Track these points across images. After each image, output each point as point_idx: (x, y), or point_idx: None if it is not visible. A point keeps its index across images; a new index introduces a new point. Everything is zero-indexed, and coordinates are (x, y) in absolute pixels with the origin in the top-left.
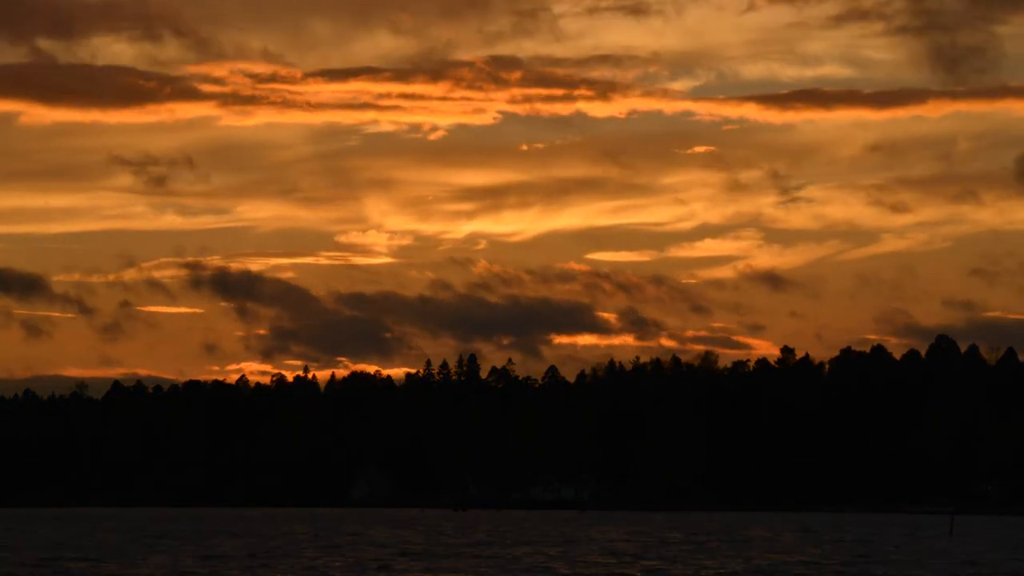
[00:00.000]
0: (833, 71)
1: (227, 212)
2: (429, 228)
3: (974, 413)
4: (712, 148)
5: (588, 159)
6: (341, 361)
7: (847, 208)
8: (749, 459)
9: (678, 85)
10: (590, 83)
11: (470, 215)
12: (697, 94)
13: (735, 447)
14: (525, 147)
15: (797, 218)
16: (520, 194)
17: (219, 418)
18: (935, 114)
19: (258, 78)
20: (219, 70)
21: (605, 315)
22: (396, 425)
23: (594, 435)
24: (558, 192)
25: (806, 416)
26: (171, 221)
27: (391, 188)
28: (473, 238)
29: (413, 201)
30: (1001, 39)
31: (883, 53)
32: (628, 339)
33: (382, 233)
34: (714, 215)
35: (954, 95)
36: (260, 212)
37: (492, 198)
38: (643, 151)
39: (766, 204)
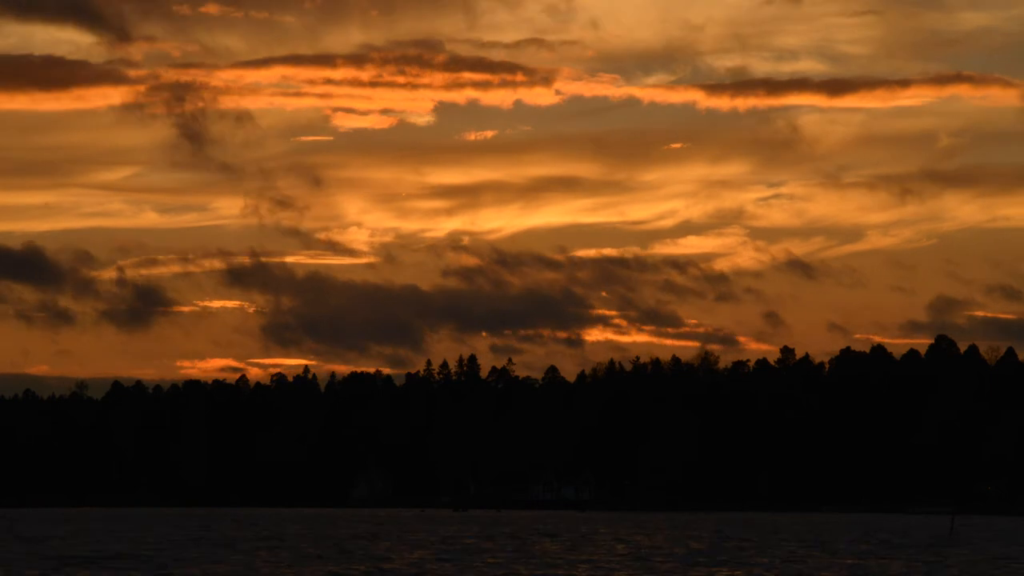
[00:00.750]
0: (807, 62)
1: (200, 208)
2: (409, 225)
3: (974, 413)
4: (690, 143)
5: (559, 153)
6: (339, 358)
7: (830, 204)
8: (749, 459)
9: (622, 74)
10: (527, 70)
11: (449, 212)
12: (665, 84)
13: (735, 447)
14: (473, 136)
15: (780, 215)
16: (496, 190)
17: (219, 418)
18: (917, 103)
19: (178, 64)
20: (136, 55)
21: (597, 311)
22: (396, 425)
23: (594, 435)
24: (533, 189)
25: (806, 416)
26: (149, 218)
27: (360, 184)
28: (455, 235)
29: (387, 198)
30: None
31: (858, 45)
32: (621, 336)
33: (363, 230)
34: (695, 212)
35: (936, 82)
36: (233, 208)
37: (468, 195)
38: (615, 145)
39: (748, 200)
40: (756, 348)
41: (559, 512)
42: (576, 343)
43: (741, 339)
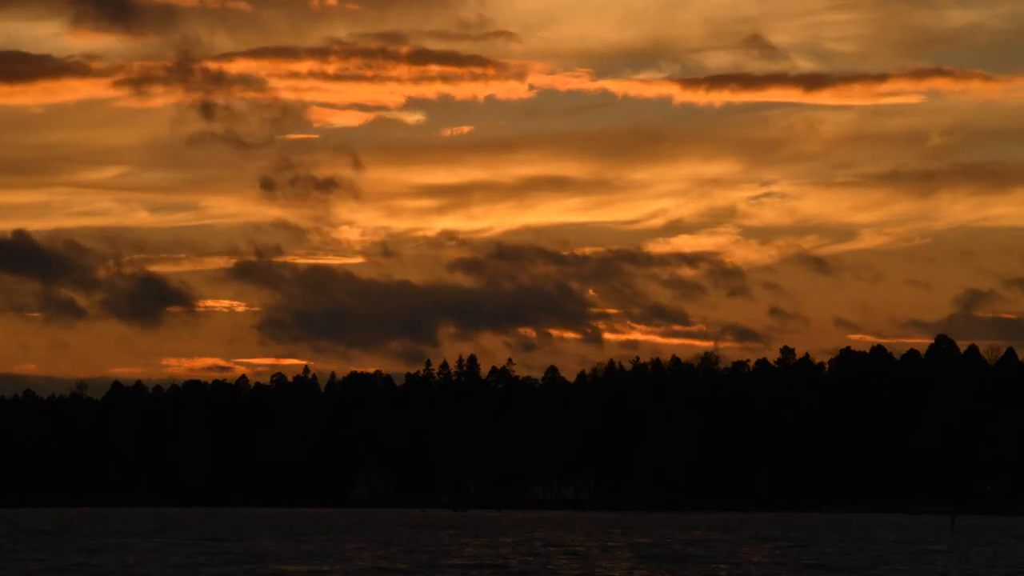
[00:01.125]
0: (798, 61)
1: (191, 207)
2: (400, 224)
3: (974, 413)
4: (677, 141)
5: (546, 151)
6: (338, 356)
7: (822, 203)
8: (749, 459)
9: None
10: (497, 64)
11: (440, 210)
12: (650, 80)
13: (735, 447)
14: (450, 132)
15: (772, 213)
16: (485, 189)
17: (219, 418)
18: (906, 101)
19: (145, 58)
20: (100, 48)
21: (597, 309)
22: (396, 425)
23: (594, 435)
24: (523, 188)
25: (806, 416)
26: (139, 218)
27: (349, 183)
28: (446, 234)
29: (376, 196)
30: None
31: (847, 42)
32: (620, 335)
33: (354, 228)
34: (687, 210)
35: (915, 77)
36: (226, 207)
37: (458, 193)
38: (602, 142)
39: (740, 199)
40: (756, 346)
41: (559, 512)
42: (575, 341)
43: (758, 333)
